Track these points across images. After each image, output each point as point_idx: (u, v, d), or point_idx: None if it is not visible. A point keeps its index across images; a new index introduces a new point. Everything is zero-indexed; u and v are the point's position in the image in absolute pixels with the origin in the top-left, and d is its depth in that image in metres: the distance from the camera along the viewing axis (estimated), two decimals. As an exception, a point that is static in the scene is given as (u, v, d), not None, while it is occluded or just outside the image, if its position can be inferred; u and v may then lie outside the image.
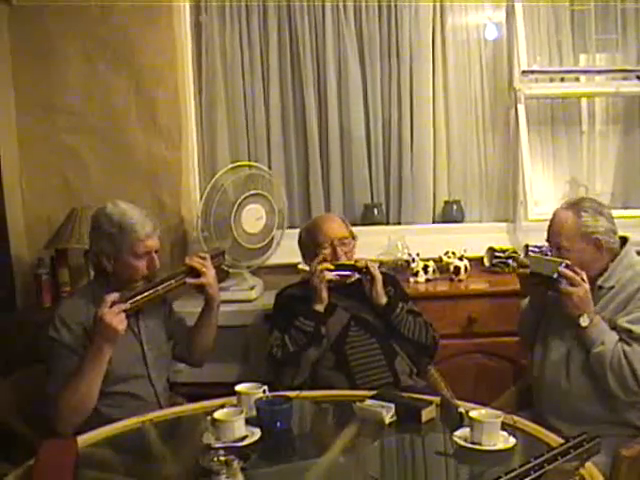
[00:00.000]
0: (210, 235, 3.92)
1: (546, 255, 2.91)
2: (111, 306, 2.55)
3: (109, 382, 2.66)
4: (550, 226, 2.83)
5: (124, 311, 2.58)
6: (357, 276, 3.25)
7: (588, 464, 1.98)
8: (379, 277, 3.23)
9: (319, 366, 3.14)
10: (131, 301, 2.63)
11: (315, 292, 3.17)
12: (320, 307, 3.17)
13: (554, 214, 2.84)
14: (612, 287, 2.72)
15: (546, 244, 2.89)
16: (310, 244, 3.37)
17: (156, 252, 2.82)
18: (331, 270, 3.19)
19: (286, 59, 4.50)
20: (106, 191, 4.14)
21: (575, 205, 2.79)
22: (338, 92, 4.51)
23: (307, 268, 3.38)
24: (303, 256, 3.48)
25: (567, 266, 2.66)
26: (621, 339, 2.63)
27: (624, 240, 2.81)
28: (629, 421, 2.67)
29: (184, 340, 3.08)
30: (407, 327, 3.23)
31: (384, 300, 3.23)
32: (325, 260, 3.24)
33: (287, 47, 4.49)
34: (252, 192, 3.93)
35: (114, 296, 2.58)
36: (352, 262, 3.27)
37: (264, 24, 4.48)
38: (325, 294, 3.18)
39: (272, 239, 4.13)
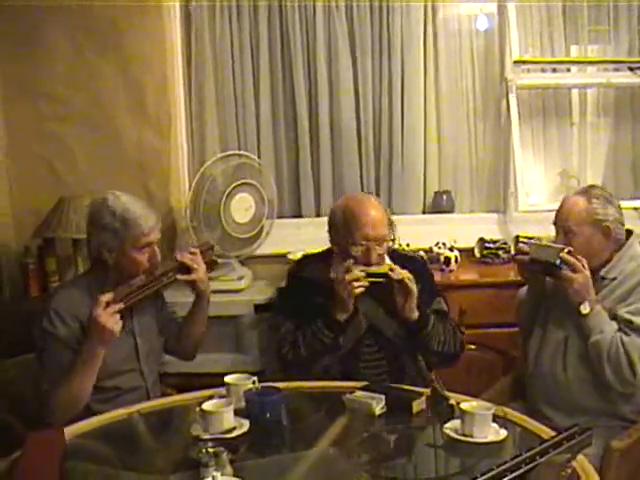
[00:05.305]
0: (199, 225, 3.89)
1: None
2: (105, 307, 2.52)
3: (102, 377, 2.62)
4: (559, 210, 2.80)
5: (118, 312, 2.55)
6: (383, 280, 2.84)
7: (580, 457, 1.97)
8: (415, 292, 2.81)
9: (325, 374, 2.91)
10: (124, 301, 2.59)
11: (339, 302, 2.81)
12: (342, 317, 2.83)
13: (564, 199, 2.82)
14: (614, 278, 2.72)
15: (534, 239, 2.86)
16: (343, 235, 2.90)
17: (157, 244, 2.78)
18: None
19: (276, 48, 4.47)
20: (94, 180, 4.09)
21: (586, 192, 2.78)
22: (329, 81, 4.49)
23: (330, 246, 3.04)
24: (330, 237, 3.01)
25: (569, 252, 2.66)
26: (620, 329, 2.62)
27: (629, 233, 2.81)
28: (622, 414, 2.68)
29: (174, 336, 3.05)
30: (437, 340, 2.90)
31: (415, 315, 2.84)
32: (355, 261, 2.83)
33: (277, 36, 4.46)
34: (241, 181, 3.91)
35: (108, 296, 2.54)
36: (385, 270, 2.81)
37: (254, 13, 4.45)
38: (351, 306, 2.82)
39: (261, 229, 4.11)
